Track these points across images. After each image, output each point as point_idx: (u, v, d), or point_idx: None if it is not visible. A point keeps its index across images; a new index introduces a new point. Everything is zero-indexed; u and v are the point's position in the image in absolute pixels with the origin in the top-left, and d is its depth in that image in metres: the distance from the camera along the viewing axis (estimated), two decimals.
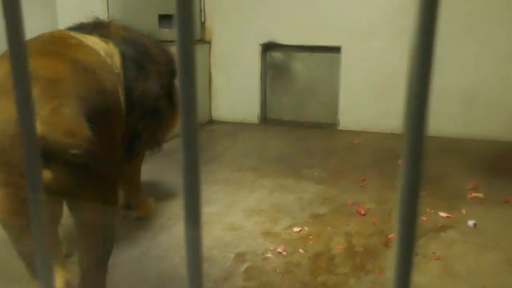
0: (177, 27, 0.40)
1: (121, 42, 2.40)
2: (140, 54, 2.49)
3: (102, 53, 1.98)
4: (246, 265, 2.45)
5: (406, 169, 0.41)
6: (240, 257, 2.53)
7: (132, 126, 2.44)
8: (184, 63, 0.42)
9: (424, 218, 2.94)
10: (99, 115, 1.63)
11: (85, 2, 3.88)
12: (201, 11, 5.36)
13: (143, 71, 2.50)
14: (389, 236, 2.71)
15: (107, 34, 2.41)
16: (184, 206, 0.46)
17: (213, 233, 2.79)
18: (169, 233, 2.80)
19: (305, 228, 2.84)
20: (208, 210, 3.12)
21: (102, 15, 3.85)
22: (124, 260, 2.50)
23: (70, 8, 3.95)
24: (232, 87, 5.53)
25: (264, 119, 5.58)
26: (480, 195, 3.31)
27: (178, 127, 3.09)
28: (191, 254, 0.45)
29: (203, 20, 5.39)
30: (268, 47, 5.38)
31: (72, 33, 2.05)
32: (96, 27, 2.47)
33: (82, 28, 2.46)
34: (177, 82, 2.82)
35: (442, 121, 4.85)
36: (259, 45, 5.29)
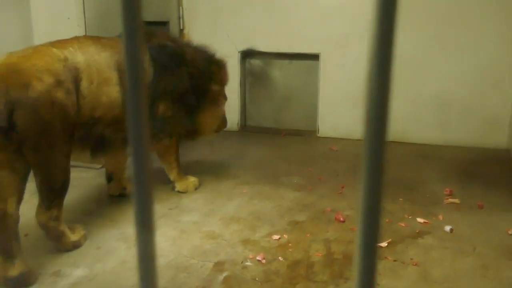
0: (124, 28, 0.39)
1: (153, 48, 3.10)
2: (166, 57, 3.15)
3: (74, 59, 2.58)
4: (225, 274, 2.42)
5: (367, 175, 0.40)
6: (219, 266, 2.50)
7: (157, 113, 3.15)
8: (132, 67, 0.41)
9: (402, 224, 2.97)
10: (20, 103, 2.24)
11: (61, 9, 3.82)
12: (179, 18, 5.33)
13: (167, 69, 3.14)
14: None
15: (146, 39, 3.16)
16: (135, 208, 0.44)
17: (191, 242, 2.76)
18: None
19: (284, 235, 2.83)
20: (186, 218, 3.09)
21: (78, 21, 3.80)
22: (99, 271, 2.45)
23: (45, 15, 3.88)
24: None
25: (244, 126, 5.57)
26: (456, 200, 3.36)
27: (216, 126, 3.74)
28: (142, 257, 0.44)
29: (181, 27, 5.37)
30: (247, 54, 5.39)
31: (58, 44, 2.61)
32: None
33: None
34: (215, 85, 3.43)
35: (418, 128, 4.93)
36: (238, 52, 5.29)
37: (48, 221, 2.51)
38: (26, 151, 2.34)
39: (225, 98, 3.72)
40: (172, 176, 3.54)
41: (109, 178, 3.47)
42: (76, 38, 2.75)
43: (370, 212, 0.42)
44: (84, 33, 3.78)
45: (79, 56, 2.59)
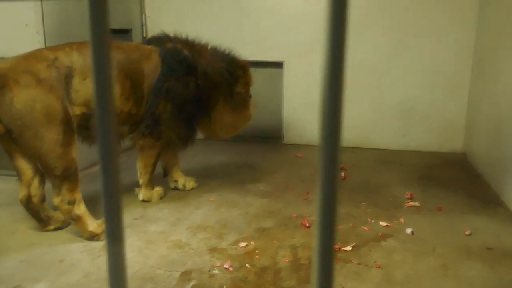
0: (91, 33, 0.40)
1: (164, 51, 3.34)
2: (175, 61, 3.32)
3: (65, 61, 2.85)
4: (192, 283, 2.41)
5: (323, 179, 0.42)
6: (186, 275, 2.48)
7: (157, 112, 3.29)
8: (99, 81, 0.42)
9: (365, 228, 3.04)
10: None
11: (19, 15, 3.71)
12: (142, 25, 5.29)
13: (173, 73, 3.30)
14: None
15: (160, 44, 3.42)
16: (105, 220, 0.45)
17: (158, 252, 2.73)
18: None
19: (251, 242, 2.85)
20: (152, 228, 3.05)
21: (37, 28, 3.70)
22: (62, 284, 2.38)
23: (1, 21, 3.76)
24: None
25: None
26: (416, 204, 3.48)
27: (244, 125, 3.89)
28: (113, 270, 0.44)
29: (144, 35, 5.32)
30: None
31: (50, 49, 2.93)
32: (155, 40, 3.53)
33: (149, 40, 3.64)
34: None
35: (380, 134, 5.08)
36: None
37: (61, 204, 2.80)
38: (16, 141, 2.67)
39: (250, 97, 3.85)
40: (142, 180, 3.52)
41: (164, 172, 3.84)
42: (83, 42, 3.01)
43: (327, 214, 0.44)
44: (43, 40, 3.69)
45: (73, 56, 2.86)
